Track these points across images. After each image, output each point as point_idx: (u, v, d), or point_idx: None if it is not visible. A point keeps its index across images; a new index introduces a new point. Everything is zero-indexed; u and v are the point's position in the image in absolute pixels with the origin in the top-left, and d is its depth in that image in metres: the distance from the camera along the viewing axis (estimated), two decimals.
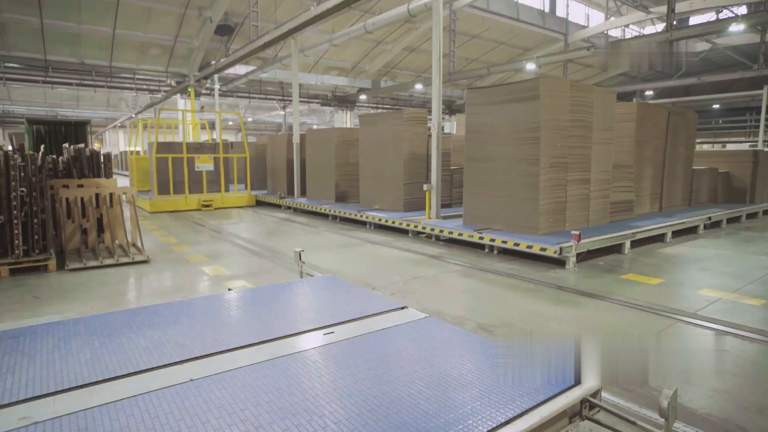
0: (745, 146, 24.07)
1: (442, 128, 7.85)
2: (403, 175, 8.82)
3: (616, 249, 6.55)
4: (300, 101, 14.38)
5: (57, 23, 14.82)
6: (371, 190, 9.62)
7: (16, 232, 5.26)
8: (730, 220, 9.15)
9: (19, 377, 2.18)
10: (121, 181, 14.42)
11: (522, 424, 1.84)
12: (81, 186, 6.32)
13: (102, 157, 6.86)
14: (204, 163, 12.09)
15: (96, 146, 21.63)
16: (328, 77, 20.14)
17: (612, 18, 20.33)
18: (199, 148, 12.82)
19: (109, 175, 6.85)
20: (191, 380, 2.15)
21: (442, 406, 1.94)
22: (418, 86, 19.84)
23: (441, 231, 7.25)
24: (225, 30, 17.06)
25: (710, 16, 18.53)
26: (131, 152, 18.46)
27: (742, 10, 15.80)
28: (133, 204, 6.50)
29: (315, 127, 29.45)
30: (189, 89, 14.01)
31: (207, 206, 11.93)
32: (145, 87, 19.00)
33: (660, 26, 18.26)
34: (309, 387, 2.09)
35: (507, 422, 1.85)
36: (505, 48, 22.58)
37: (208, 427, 1.79)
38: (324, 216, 10.37)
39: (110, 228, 6.45)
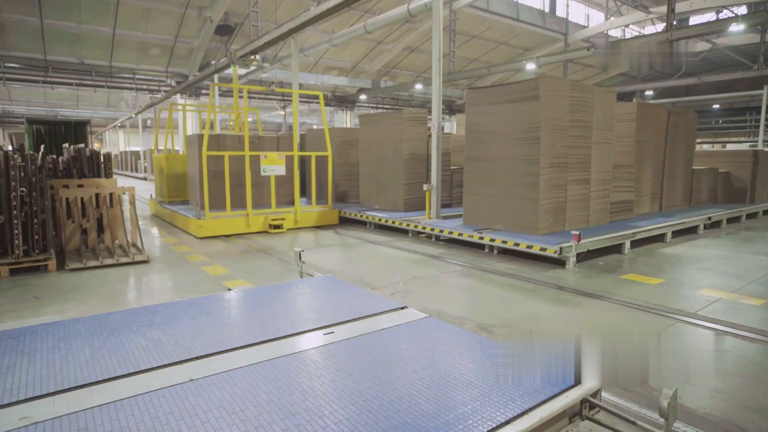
0: (745, 146, 24.09)
1: (442, 128, 7.85)
2: (403, 175, 8.82)
3: (616, 249, 6.55)
4: (300, 101, 14.33)
5: (57, 23, 14.82)
6: (371, 190, 9.62)
7: (16, 232, 5.26)
8: (730, 220, 9.15)
9: (19, 377, 2.18)
10: (122, 182, 13.92)
11: (522, 424, 1.84)
12: (81, 186, 6.32)
13: (102, 157, 6.85)
14: (273, 165, 8.37)
15: (96, 146, 21.60)
16: (328, 77, 20.13)
17: (612, 18, 20.34)
18: (257, 143, 9.55)
19: (109, 175, 6.85)
20: (191, 380, 2.15)
21: (442, 406, 1.94)
22: (418, 86, 19.84)
23: (441, 231, 7.25)
24: (225, 30, 17.05)
25: (710, 16, 18.54)
26: (157, 150, 13.99)
27: (742, 10, 15.80)
28: (134, 204, 6.50)
29: (315, 127, 29.45)
30: (232, 66, 10.77)
31: (277, 228, 8.49)
32: (145, 87, 18.99)
33: (660, 26, 18.26)
34: (309, 387, 2.09)
35: (507, 422, 1.85)
36: (505, 48, 22.58)
37: (208, 427, 1.79)
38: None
39: (110, 228, 6.45)
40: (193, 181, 9.53)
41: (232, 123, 13.34)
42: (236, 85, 8.94)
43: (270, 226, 8.49)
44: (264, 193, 9.29)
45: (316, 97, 28.13)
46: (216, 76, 15.40)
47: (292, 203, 9.35)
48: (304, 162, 10.44)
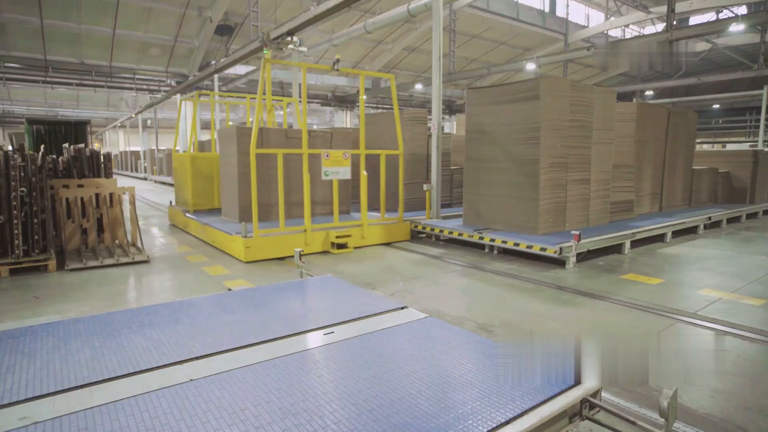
0: (745, 146, 24.09)
1: (442, 128, 7.85)
2: (403, 174, 8.81)
3: (616, 249, 6.55)
4: (301, 101, 14.27)
5: (57, 23, 14.82)
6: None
7: (16, 232, 5.26)
8: (730, 220, 9.15)
9: (19, 377, 2.18)
10: (122, 182, 12.88)
11: (522, 424, 1.84)
12: (81, 186, 6.32)
13: (102, 157, 6.85)
14: (336, 166, 6.74)
15: (96, 146, 21.59)
16: (328, 77, 20.14)
17: (612, 18, 20.35)
18: (300, 139, 7.20)
19: (109, 175, 6.85)
20: (191, 380, 2.15)
21: (442, 406, 1.94)
22: (418, 86, 19.85)
23: (441, 231, 7.24)
24: (225, 30, 17.06)
25: (710, 16, 18.54)
26: (186, 149, 12.16)
27: (742, 10, 15.81)
28: (134, 204, 6.50)
29: (315, 127, 29.45)
30: (265, 51, 9.37)
31: (341, 246, 6.78)
32: (145, 87, 19.01)
33: (660, 26, 18.27)
34: (309, 387, 2.09)
35: (507, 422, 1.85)
36: (505, 48, 22.59)
37: (208, 427, 1.79)
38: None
39: (110, 228, 6.45)
40: (228, 187, 7.60)
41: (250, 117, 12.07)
42: (296, 63, 7.54)
43: (333, 245, 6.73)
44: (314, 201, 7.40)
45: (316, 97, 28.21)
46: (216, 76, 15.40)
47: (346, 213, 7.86)
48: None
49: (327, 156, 6.67)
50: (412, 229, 7.76)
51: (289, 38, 9.60)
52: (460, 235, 6.85)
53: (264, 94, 6.77)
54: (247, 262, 6.04)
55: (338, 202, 7.11)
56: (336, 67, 6.77)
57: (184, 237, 8.08)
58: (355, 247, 7.00)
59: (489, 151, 6.78)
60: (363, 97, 7.34)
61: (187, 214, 8.50)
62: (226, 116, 9.66)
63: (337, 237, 6.75)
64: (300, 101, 8.94)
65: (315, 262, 6.10)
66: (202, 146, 18.01)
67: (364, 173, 7.05)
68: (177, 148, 11.12)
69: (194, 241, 7.61)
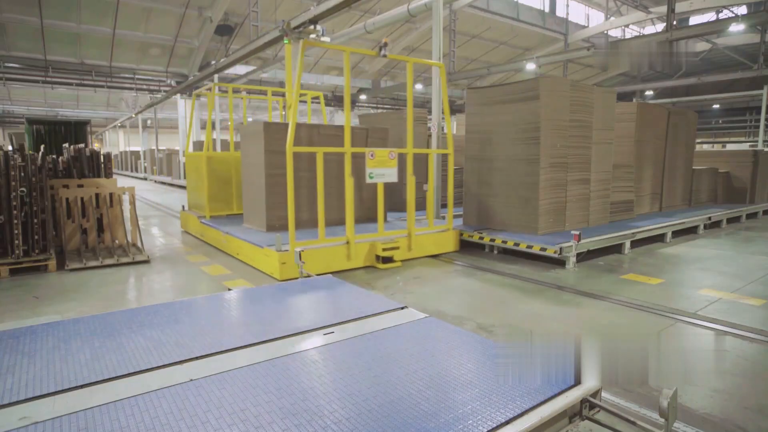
0: (745, 146, 24.10)
1: (442, 128, 7.85)
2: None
3: (616, 249, 6.55)
4: (301, 101, 14.24)
5: (57, 23, 14.83)
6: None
7: (16, 232, 5.26)
8: (730, 220, 9.15)
9: (19, 377, 2.18)
10: (122, 182, 12.50)
11: (522, 424, 1.84)
12: (81, 186, 6.32)
13: (102, 157, 6.86)
14: (382, 168, 5.83)
15: (96, 146, 21.57)
16: (328, 77, 20.15)
17: (612, 18, 20.35)
18: (333, 136, 6.67)
19: (109, 175, 6.85)
20: (191, 380, 2.15)
21: (442, 406, 1.94)
22: (418, 86, 19.85)
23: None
24: (225, 30, 17.07)
25: (710, 16, 18.55)
26: (200, 149, 10.95)
27: (742, 10, 15.81)
28: (134, 204, 6.50)
29: None
30: (285, 40, 8.44)
31: (387, 260, 5.84)
32: (145, 87, 19.01)
33: (660, 26, 18.27)
34: (309, 387, 2.09)
35: (507, 422, 1.85)
36: (505, 48, 22.60)
37: (208, 427, 1.79)
38: None
39: (110, 228, 6.45)
40: (252, 191, 6.64)
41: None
42: (338, 46, 6.44)
43: (378, 258, 5.81)
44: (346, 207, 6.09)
45: (317, 97, 28.13)
46: (216, 76, 15.39)
47: (378, 220, 6.20)
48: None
49: (372, 156, 5.66)
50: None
51: (312, 26, 8.82)
52: (461, 235, 6.78)
53: (286, 87, 6.33)
54: (282, 280, 5.05)
55: (383, 209, 6.12)
56: (383, 52, 5.80)
57: (198, 245, 7.31)
58: (403, 261, 6.09)
59: (489, 151, 6.78)
60: (412, 86, 6.35)
61: (203, 221, 7.56)
62: (229, 115, 8.89)
63: (384, 250, 5.77)
64: (330, 97, 8.51)
65: (366, 280, 5.28)
66: (201, 146, 18.03)
67: (412, 176, 6.16)
68: (187, 147, 9.65)
69: (211, 250, 6.89)
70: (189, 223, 8.44)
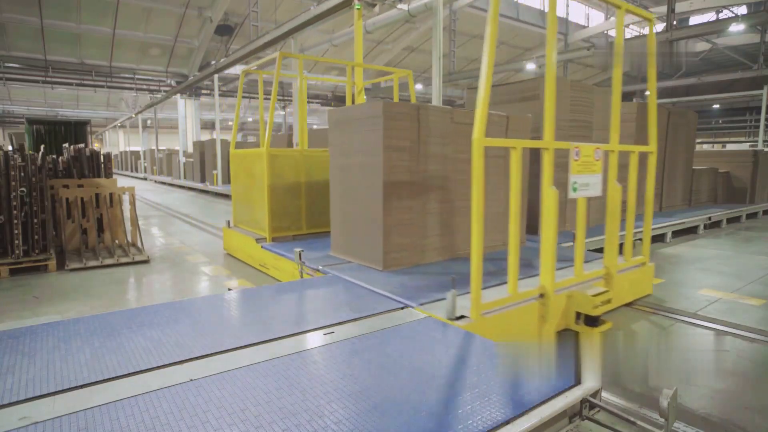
0: (745, 146, 24.11)
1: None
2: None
3: None
4: (308, 102, 14.24)
5: (57, 23, 14.84)
6: None
7: (16, 232, 5.26)
8: (730, 220, 9.15)
9: (19, 377, 2.18)
10: (122, 182, 12.27)
11: (522, 424, 1.84)
12: (81, 186, 6.33)
13: (102, 157, 6.86)
14: (586, 175, 3.95)
15: (96, 146, 21.60)
16: (328, 77, 20.17)
17: (612, 18, 20.35)
18: (470, 125, 4.74)
19: (109, 175, 6.86)
20: (191, 380, 2.15)
21: (442, 406, 1.94)
22: (418, 86, 19.87)
23: None
24: (225, 30, 17.08)
25: (710, 16, 18.55)
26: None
27: (742, 10, 15.81)
28: (134, 204, 6.50)
29: (315, 127, 29.45)
30: (357, 5, 7.46)
31: (593, 322, 3.42)
32: (145, 87, 19.03)
33: (660, 26, 18.27)
34: (309, 387, 2.09)
35: (507, 422, 1.85)
36: (505, 48, 22.61)
37: (208, 427, 1.79)
38: None
39: (110, 228, 6.45)
40: (354, 206, 4.49)
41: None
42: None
43: (579, 318, 3.49)
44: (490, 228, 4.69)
45: (317, 97, 28.18)
46: (216, 76, 15.40)
47: (576, 256, 4.07)
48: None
49: (577, 155, 3.84)
50: None
51: None
52: None
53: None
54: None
55: (583, 238, 4.05)
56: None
57: (259, 281, 5.19)
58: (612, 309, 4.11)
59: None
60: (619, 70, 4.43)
61: (266, 246, 5.45)
62: (235, 116, 6.46)
63: (596, 306, 3.42)
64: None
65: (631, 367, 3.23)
66: (203, 146, 18.00)
67: (616, 184, 4.31)
68: (233, 142, 7.02)
69: None
70: (238, 245, 6.32)
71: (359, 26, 6.33)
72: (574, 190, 3.89)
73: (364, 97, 5.52)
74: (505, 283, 3.34)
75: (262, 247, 5.53)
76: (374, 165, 4.18)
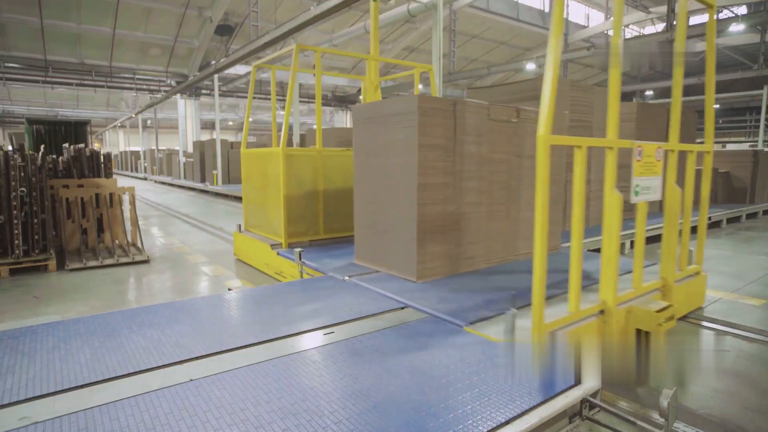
0: (745, 146, 24.10)
1: None
2: None
3: None
4: (300, 101, 14.25)
5: (57, 23, 14.84)
6: None
7: (16, 232, 5.26)
8: (730, 220, 9.15)
9: (19, 377, 2.18)
10: (122, 182, 12.21)
11: (522, 424, 1.85)
12: (81, 186, 6.33)
13: (102, 157, 6.86)
14: (647, 176, 3.35)
15: (96, 146, 21.60)
16: (327, 77, 20.16)
17: (612, 18, 20.34)
18: (507, 122, 4.50)
19: (109, 175, 6.86)
20: (191, 380, 2.15)
21: (442, 406, 1.94)
22: (419, 86, 19.87)
23: None
24: (225, 30, 17.08)
25: None
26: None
27: (742, 10, 15.81)
28: (134, 204, 6.50)
29: (314, 127, 29.41)
30: None
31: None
32: (145, 87, 19.03)
33: (660, 26, 18.28)
34: (309, 387, 2.09)
35: (507, 422, 1.85)
36: (505, 48, 22.61)
37: (208, 427, 1.79)
38: None
39: (110, 228, 6.45)
40: (383, 211, 4.13)
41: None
42: None
43: (641, 336, 3.21)
44: (510, 233, 4.58)
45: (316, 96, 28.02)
46: (216, 76, 15.40)
47: (556, 249, 4.88)
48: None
49: (639, 155, 3.39)
50: None
51: None
52: None
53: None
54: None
55: (642, 250, 3.52)
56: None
57: None
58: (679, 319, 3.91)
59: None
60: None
61: (281, 252, 5.09)
62: (246, 114, 6.81)
63: (657, 323, 3.05)
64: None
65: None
66: (202, 146, 17.98)
67: (675, 187, 3.89)
68: (244, 141, 6.57)
69: None
70: (252, 251, 5.90)
71: (375, 20, 6.21)
72: (636, 193, 3.41)
73: (380, 94, 5.42)
74: (555, 296, 3.17)
75: (278, 254, 5.10)
76: (407, 165, 3.79)
